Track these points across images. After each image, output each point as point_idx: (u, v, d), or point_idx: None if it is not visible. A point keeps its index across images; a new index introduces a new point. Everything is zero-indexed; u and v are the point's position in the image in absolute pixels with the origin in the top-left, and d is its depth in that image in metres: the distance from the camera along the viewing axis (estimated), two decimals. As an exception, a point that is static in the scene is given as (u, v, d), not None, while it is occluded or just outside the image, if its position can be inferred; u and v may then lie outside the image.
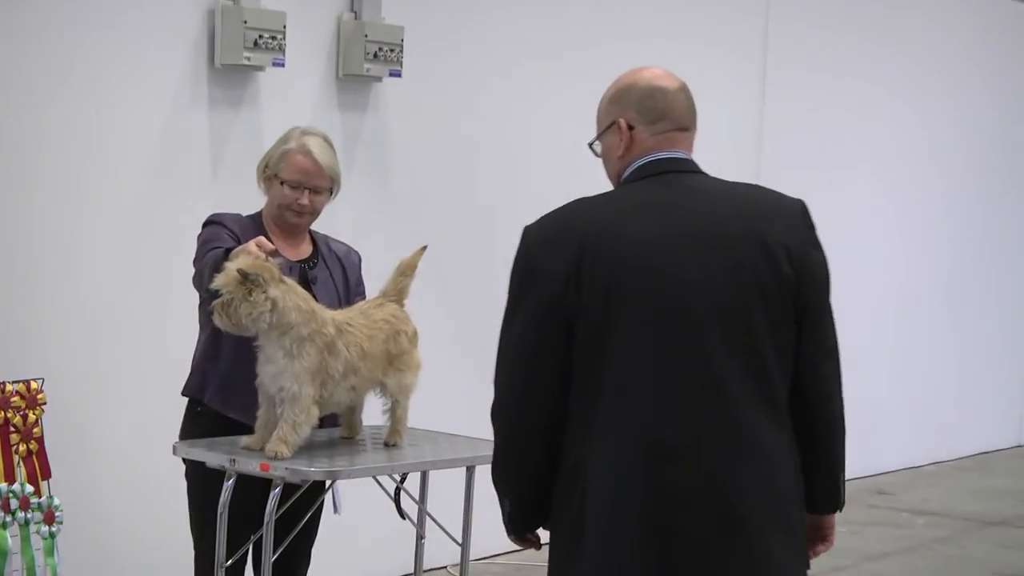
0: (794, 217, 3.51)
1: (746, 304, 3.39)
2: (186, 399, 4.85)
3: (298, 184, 4.77)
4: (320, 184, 4.79)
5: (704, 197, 3.53)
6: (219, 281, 4.30)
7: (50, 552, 5.09)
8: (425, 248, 4.83)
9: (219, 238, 4.65)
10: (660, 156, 3.56)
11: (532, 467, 3.49)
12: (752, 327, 3.39)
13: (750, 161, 9.27)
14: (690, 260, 3.40)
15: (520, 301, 3.53)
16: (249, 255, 4.31)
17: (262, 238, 4.43)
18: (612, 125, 3.60)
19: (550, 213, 3.59)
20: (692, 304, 3.38)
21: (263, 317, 4.31)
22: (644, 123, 3.56)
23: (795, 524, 3.44)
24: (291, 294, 4.37)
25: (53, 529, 5.10)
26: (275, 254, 4.39)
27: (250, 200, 4.93)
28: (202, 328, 4.79)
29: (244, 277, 4.27)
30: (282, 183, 4.78)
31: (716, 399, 3.36)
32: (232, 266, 4.30)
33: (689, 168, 3.58)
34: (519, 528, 3.58)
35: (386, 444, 4.76)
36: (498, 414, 3.55)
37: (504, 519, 3.57)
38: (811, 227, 3.53)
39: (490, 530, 7.19)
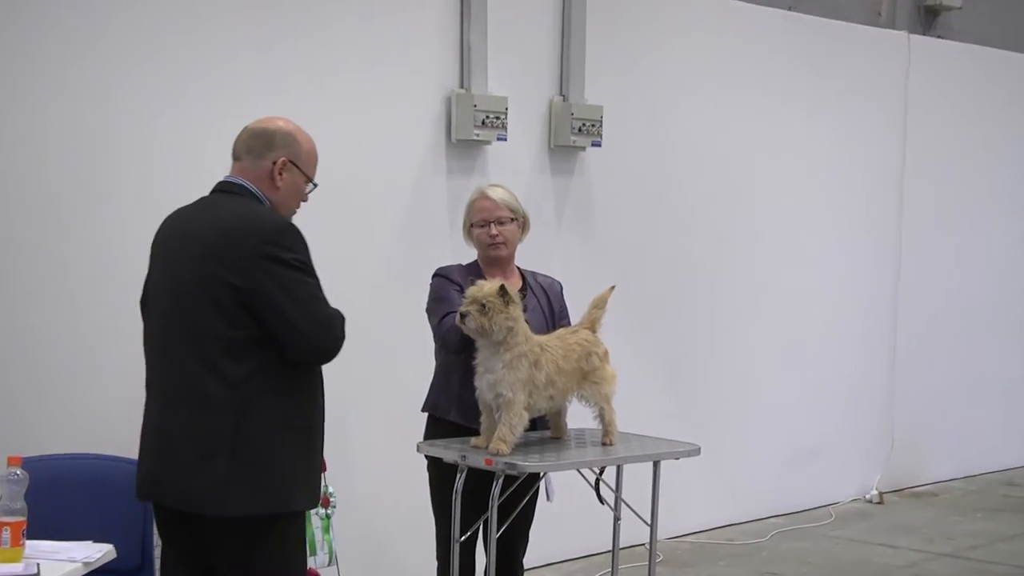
0: (260, 233, 3.57)
1: (191, 298, 3.59)
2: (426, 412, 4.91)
3: (484, 221, 4.81)
4: (501, 215, 4.81)
5: (208, 213, 3.71)
6: (483, 290, 4.34)
7: (327, 530, 5.17)
8: (614, 287, 4.82)
9: (448, 295, 4.70)
10: (221, 180, 3.81)
11: None
12: (201, 322, 3.57)
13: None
14: (171, 263, 3.69)
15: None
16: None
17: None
18: None
19: None
20: (167, 298, 3.68)
21: (504, 329, 4.34)
22: None
23: None
24: (522, 319, 4.43)
25: (329, 512, 5.17)
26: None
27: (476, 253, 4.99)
28: (438, 361, 4.84)
29: (504, 293, 4.33)
30: (472, 226, 4.84)
31: (170, 366, 3.65)
32: (494, 283, 4.36)
33: (227, 188, 3.77)
34: None
35: (603, 444, 4.75)
36: None
37: None
38: (274, 243, 3.58)
39: (677, 513, 7.22)
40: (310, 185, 3.87)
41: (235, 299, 3.55)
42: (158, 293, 3.75)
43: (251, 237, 3.58)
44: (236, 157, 3.81)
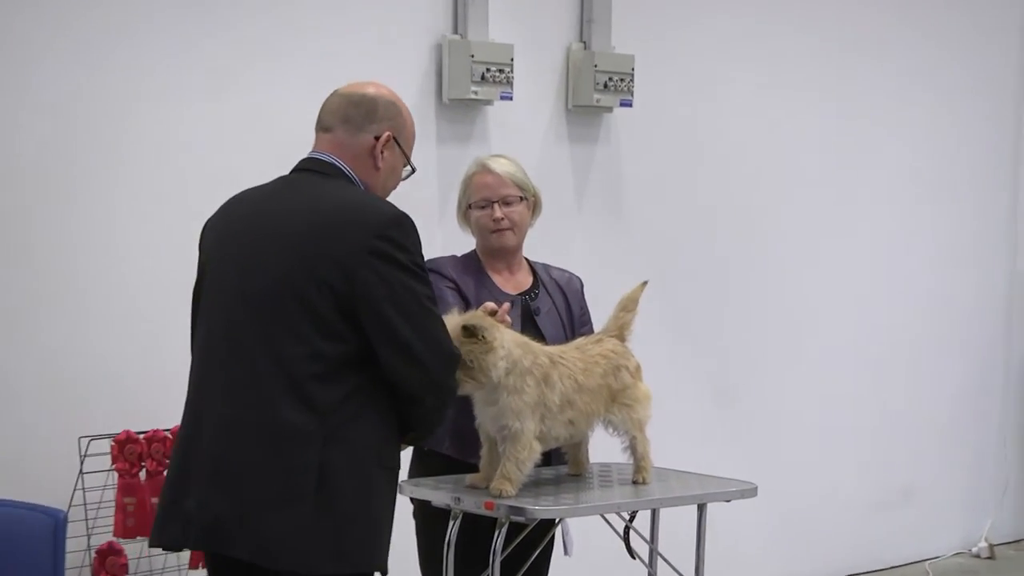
0: (370, 226, 3.61)
1: (275, 302, 3.60)
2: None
3: (486, 201, 4.87)
4: (508, 193, 4.87)
5: (295, 198, 3.72)
6: None
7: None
8: (646, 283, 4.84)
9: (441, 294, 4.65)
10: (306, 156, 3.84)
11: None
12: (287, 333, 3.59)
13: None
14: (244, 258, 3.68)
15: None
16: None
17: (489, 304, 4.44)
18: None
19: None
20: (238, 303, 3.67)
21: (502, 366, 4.28)
22: None
23: None
24: (506, 331, 4.37)
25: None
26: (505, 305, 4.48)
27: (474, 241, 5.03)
28: None
29: (472, 331, 4.24)
30: (470, 207, 4.89)
31: (240, 384, 3.64)
32: (455, 323, 4.24)
33: (315, 167, 3.79)
34: None
35: (634, 482, 4.75)
36: None
37: None
38: (387, 239, 3.62)
39: (729, 570, 7.23)
40: (407, 168, 3.96)
41: (334, 306, 3.60)
42: (223, 296, 3.75)
43: (358, 230, 3.62)
44: (326, 128, 3.85)
